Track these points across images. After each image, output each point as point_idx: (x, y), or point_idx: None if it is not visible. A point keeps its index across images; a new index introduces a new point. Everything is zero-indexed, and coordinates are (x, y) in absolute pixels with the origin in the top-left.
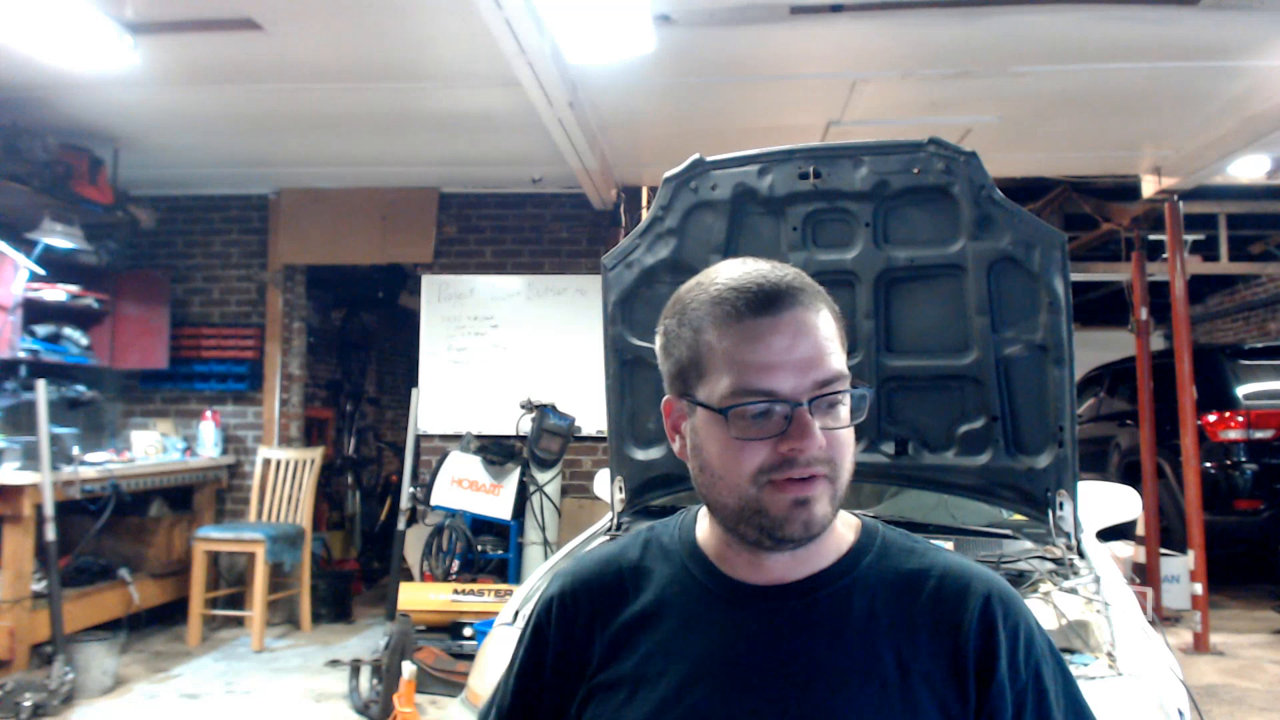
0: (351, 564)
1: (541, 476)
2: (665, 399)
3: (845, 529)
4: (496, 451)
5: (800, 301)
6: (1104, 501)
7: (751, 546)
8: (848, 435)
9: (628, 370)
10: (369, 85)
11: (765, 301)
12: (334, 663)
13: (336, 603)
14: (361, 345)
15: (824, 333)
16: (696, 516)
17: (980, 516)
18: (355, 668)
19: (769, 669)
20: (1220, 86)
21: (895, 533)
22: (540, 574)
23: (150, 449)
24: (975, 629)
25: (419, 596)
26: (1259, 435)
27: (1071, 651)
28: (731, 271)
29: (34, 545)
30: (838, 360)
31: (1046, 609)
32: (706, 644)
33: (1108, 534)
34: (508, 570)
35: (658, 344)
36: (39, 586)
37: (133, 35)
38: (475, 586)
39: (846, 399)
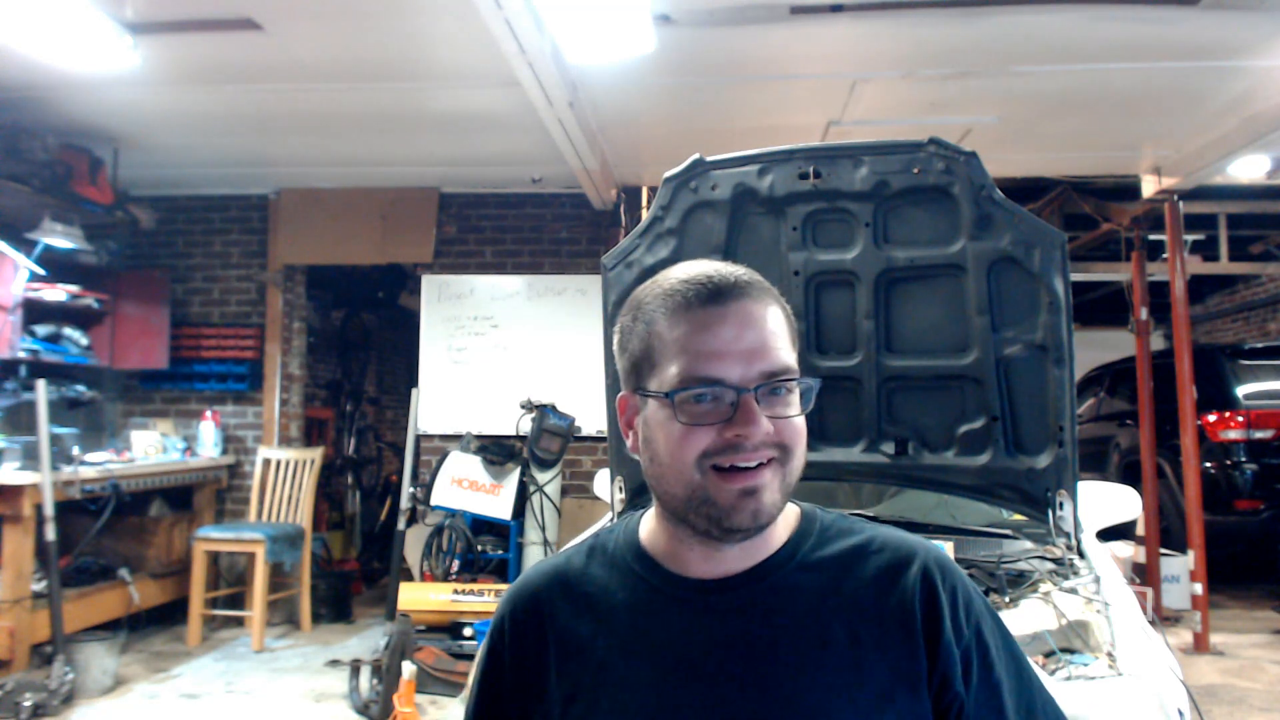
0: (351, 564)
1: (541, 476)
2: (619, 395)
3: (787, 515)
4: (496, 451)
5: (749, 295)
6: (1104, 501)
7: (702, 537)
8: (799, 424)
9: None
10: (369, 85)
11: (714, 293)
12: (334, 663)
13: (336, 603)
14: (361, 345)
15: (772, 327)
16: (640, 520)
17: (980, 516)
18: (355, 668)
19: (728, 660)
20: (1220, 86)
21: (833, 515)
22: None
23: (150, 449)
24: (918, 594)
25: (419, 596)
26: (1259, 435)
27: (1071, 651)
28: (685, 269)
29: (34, 545)
30: (786, 354)
31: (1046, 609)
32: (663, 643)
33: (1108, 534)
34: (508, 570)
35: (614, 342)
36: (39, 586)
37: (133, 35)
38: (475, 586)
39: (796, 390)
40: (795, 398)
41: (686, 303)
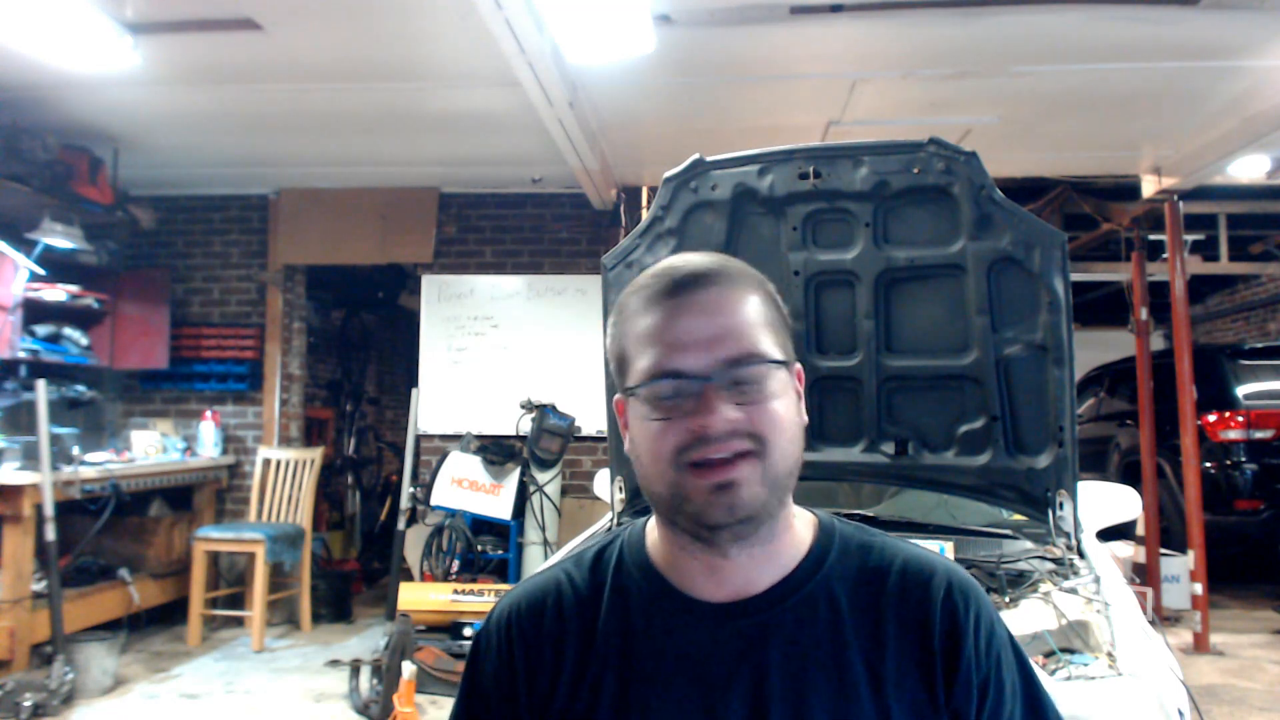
0: (351, 564)
1: (541, 476)
2: (615, 398)
3: (803, 527)
4: (496, 451)
5: (714, 283)
6: (1104, 501)
7: (700, 544)
8: (778, 409)
9: None
10: (369, 85)
11: (677, 285)
12: (334, 663)
13: (336, 603)
14: (361, 345)
15: (744, 313)
16: (644, 530)
17: (980, 516)
18: (355, 668)
19: (744, 689)
20: (1220, 86)
21: (851, 527)
22: None
23: (150, 449)
24: (939, 621)
25: (419, 596)
26: (1259, 435)
27: (1071, 651)
28: (659, 264)
29: (34, 545)
30: (754, 340)
31: (1046, 609)
32: (679, 671)
33: (1108, 534)
34: (508, 570)
35: (606, 347)
36: (39, 586)
37: (133, 35)
38: (475, 586)
39: (774, 375)
40: (774, 384)
41: (653, 296)
